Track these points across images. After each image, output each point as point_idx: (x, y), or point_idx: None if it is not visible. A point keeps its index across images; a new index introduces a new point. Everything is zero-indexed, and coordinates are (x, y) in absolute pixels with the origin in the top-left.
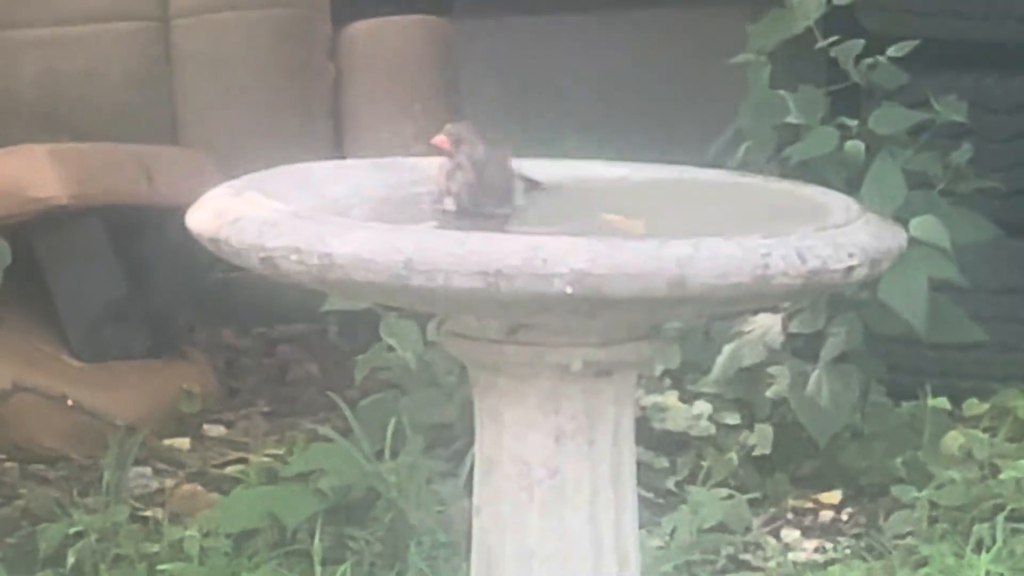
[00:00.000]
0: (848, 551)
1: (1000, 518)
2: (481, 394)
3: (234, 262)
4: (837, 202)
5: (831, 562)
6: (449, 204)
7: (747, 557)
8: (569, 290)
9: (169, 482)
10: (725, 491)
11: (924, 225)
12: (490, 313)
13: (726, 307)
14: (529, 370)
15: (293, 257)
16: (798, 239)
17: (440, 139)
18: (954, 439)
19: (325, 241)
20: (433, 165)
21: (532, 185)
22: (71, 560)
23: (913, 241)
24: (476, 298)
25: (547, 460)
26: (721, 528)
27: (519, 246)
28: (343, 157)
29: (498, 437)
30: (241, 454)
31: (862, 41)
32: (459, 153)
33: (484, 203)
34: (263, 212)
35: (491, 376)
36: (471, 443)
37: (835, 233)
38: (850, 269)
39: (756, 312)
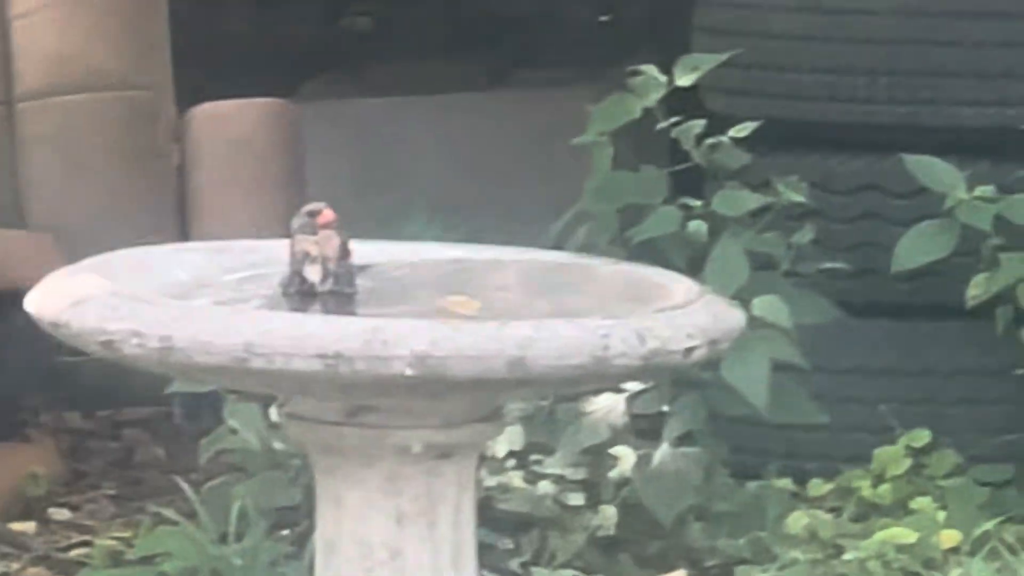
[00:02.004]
0: None
1: None
2: (322, 476)
3: (75, 345)
4: (677, 283)
5: None
6: (313, 274)
7: None
8: (409, 372)
9: (15, 565)
10: (570, 572)
11: (766, 305)
12: (330, 395)
13: (567, 388)
14: (370, 452)
15: (133, 341)
16: (637, 320)
17: (328, 213)
18: (798, 519)
19: (165, 324)
20: (271, 247)
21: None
22: None
23: (756, 321)
24: (316, 380)
25: (388, 542)
26: None
27: (359, 328)
28: (189, 240)
29: (339, 519)
30: (87, 537)
31: (702, 121)
32: (333, 228)
33: (337, 282)
34: (103, 296)
35: (332, 459)
36: (315, 525)
37: (674, 314)
38: (689, 350)
39: (599, 392)
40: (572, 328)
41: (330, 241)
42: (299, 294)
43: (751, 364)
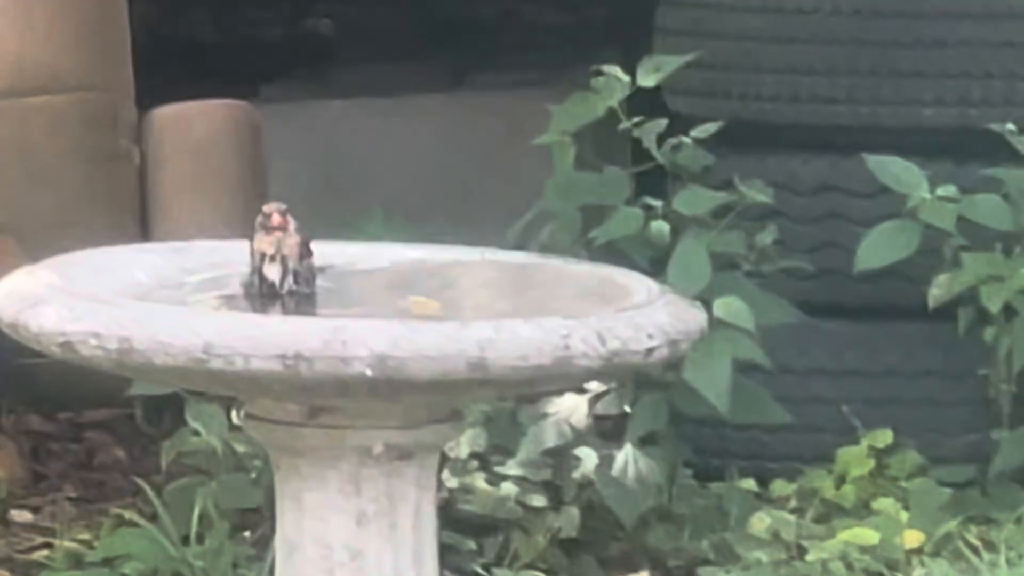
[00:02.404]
0: None
1: None
2: (283, 478)
3: (34, 347)
4: (638, 283)
5: None
6: (273, 273)
7: None
8: (369, 372)
9: None
10: (533, 573)
11: (728, 306)
12: (290, 396)
13: (528, 388)
14: (330, 453)
15: (92, 342)
16: (598, 320)
17: (276, 215)
18: (761, 520)
19: (123, 325)
20: (231, 248)
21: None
22: None
23: (719, 322)
24: (276, 381)
25: (349, 542)
26: None
27: (319, 328)
28: (150, 242)
29: (299, 520)
30: (48, 539)
31: (663, 121)
32: (289, 226)
33: (297, 282)
34: (61, 297)
35: (292, 459)
36: (276, 527)
37: (635, 314)
38: (650, 350)
39: (561, 393)
40: (532, 328)
41: (289, 240)
42: (260, 295)
43: (713, 365)
